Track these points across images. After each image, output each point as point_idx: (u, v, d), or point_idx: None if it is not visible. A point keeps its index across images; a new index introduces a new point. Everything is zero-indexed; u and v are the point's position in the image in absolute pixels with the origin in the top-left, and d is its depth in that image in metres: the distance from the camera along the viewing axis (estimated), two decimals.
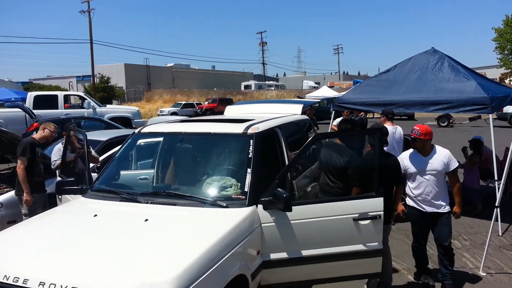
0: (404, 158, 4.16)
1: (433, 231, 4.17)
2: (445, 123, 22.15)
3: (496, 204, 4.71)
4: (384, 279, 3.97)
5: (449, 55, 6.46)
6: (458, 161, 7.00)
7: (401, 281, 4.47)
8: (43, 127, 5.15)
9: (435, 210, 4.04)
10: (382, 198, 3.40)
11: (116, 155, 4.17)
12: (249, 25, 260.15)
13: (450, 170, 4.00)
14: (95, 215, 3.17)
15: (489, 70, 48.80)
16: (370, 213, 3.36)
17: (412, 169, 4.08)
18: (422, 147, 4.03)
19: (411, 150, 4.17)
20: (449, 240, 4.12)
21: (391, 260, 4.18)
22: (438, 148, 4.08)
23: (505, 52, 35.72)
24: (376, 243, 3.43)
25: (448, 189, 4.15)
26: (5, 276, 2.45)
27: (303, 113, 5.86)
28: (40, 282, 2.35)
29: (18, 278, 2.41)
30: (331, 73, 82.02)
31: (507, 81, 41.35)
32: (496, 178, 5.44)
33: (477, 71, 7.48)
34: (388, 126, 5.62)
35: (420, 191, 4.07)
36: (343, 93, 9.05)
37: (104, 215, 3.22)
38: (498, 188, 4.96)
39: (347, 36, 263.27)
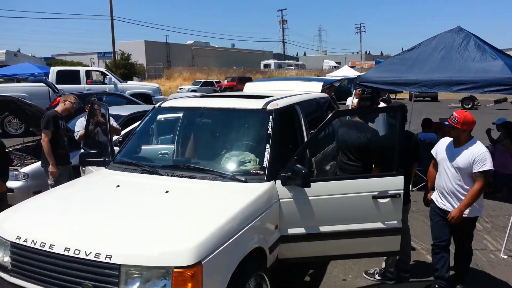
0: (440, 142, 3.81)
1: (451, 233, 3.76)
2: (470, 105, 21.61)
3: None
4: (402, 258, 3.97)
5: (476, 34, 6.25)
6: (490, 145, 6.84)
7: (419, 260, 4.48)
8: (64, 100, 5.25)
9: (449, 209, 3.62)
10: (402, 177, 3.37)
11: (138, 129, 4.24)
12: (269, 2, 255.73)
13: (473, 171, 3.46)
14: (118, 186, 3.25)
15: None
16: (389, 192, 3.35)
17: (439, 155, 3.73)
18: (456, 137, 3.56)
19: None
20: (466, 245, 3.74)
21: (410, 240, 4.18)
22: (475, 143, 3.52)
23: None
24: (395, 222, 3.42)
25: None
26: (33, 241, 2.56)
27: (322, 91, 5.80)
28: (66, 247, 2.45)
29: (45, 243, 2.51)
30: (353, 53, 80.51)
31: None
32: None
33: (507, 52, 7.19)
34: None
35: (439, 182, 3.73)
36: (364, 73, 8.89)
37: (127, 186, 3.30)
38: None
39: (370, 14, 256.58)
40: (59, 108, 5.21)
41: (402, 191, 3.36)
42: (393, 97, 18.11)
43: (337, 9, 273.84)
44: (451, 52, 6.01)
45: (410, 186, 6.23)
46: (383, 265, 4.09)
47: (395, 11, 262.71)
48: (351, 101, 7.70)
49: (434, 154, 3.83)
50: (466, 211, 3.52)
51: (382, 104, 7.57)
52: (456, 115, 3.53)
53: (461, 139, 3.55)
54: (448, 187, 3.61)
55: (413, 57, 6.35)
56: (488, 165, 3.41)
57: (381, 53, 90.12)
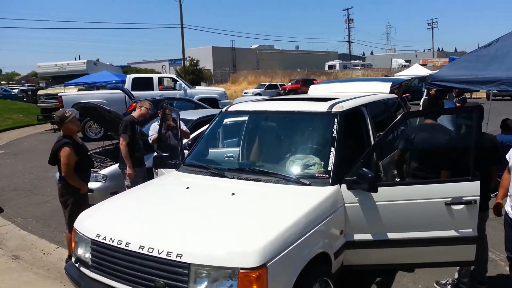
0: None
1: None
2: None
3: None
4: (478, 268, 3.71)
5: None
6: None
7: (497, 271, 4.15)
8: (140, 106, 5.60)
9: None
10: (478, 182, 3.15)
11: (206, 133, 4.41)
12: (334, 1, 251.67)
13: None
14: (188, 188, 3.41)
15: None
16: (464, 198, 3.15)
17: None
18: None
19: None
20: None
21: (487, 250, 3.89)
22: None
23: None
24: (470, 230, 3.21)
25: None
26: (111, 239, 2.76)
27: (391, 92, 5.62)
28: (140, 245, 2.61)
29: (122, 241, 2.70)
30: (424, 50, 76.56)
31: None
32: None
33: None
34: None
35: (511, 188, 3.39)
36: (437, 71, 8.43)
37: (196, 187, 3.45)
38: None
39: (443, 9, 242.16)
40: (135, 114, 5.56)
41: (478, 197, 3.14)
42: (469, 96, 16.95)
43: (406, 5, 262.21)
44: None
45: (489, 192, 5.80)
46: (456, 275, 3.84)
47: (470, 4, 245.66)
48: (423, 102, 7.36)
49: (508, 159, 3.50)
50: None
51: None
52: None
53: None
54: (504, 183, 3.35)
55: (491, 53, 5.89)
56: None
57: (455, 49, 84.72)
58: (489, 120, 7.62)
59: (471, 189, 3.15)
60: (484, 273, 3.78)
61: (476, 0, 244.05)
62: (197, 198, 3.27)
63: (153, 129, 6.00)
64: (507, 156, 3.52)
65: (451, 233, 3.22)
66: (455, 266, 3.72)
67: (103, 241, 2.79)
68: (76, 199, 4.30)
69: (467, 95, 14.64)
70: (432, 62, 48.58)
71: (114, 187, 5.69)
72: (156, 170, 4.79)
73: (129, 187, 5.19)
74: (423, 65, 36.47)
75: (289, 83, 37.67)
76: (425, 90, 7.04)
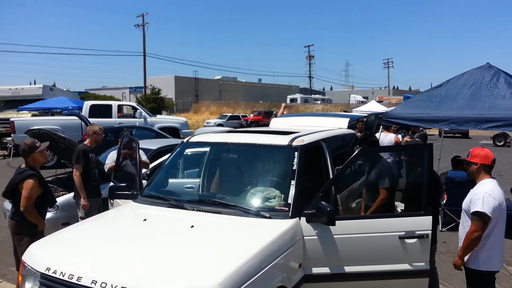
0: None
1: None
2: (502, 142, 20.99)
3: None
4: None
5: (506, 71, 6.17)
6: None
7: None
8: (90, 133, 5.36)
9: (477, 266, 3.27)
10: (430, 217, 3.29)
11: (165, 163, 4.35)
12: (296, 38, 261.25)
13: (470, 211, 3.20)
14: (145, 220, 3.31)
15: None
16: (417, 232, 3.26)
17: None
18: (471, 173, 3.34)
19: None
20: None
21: (438, 282, 4.01)
22: (485, 183, 3.22)
23: None
24: (423, 263, 3.31)
25: None
26: (61, 272, 2.62)
27: (353, 126, 5.82)
28: (93, 280, 2.49)
29: (73, 275, 2.56)
30: (380, 88, 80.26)
31: None
32: None
33: None
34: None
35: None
36: (392, 108, 8.87)
37: (153, 219, 3.36)
38: None
39: (398, 50, 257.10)
40: (88, 141, 5.37)
41: (430, 231, 3.26)
42: (428, 133, 17.82)
43: (364, 44, 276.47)
44: (481, 89, 5.96)
45: (439, 226, 6.05)
46: None
47: (423, 47, 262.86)
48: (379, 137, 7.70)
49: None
50: (466, 258, 3.25)
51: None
52: (471, 150, 3.37)
53: (475, 177, 3.31)
54: (460, 233, 3.40)
55: (442, 93, 6.31)
56: (478, 206, 3.10)
57: (410, 88, 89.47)
58: (441, 156, 8.03)
59: (423, 223, 3.27)
60: None
61: (429, 43, 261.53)
62: (154, 231, 3.18)
63: (111, 158, 5.84)
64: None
65: (405, 266, 3.30)
66: None
67: (53, 275, 2.64)
68: (32, 238, 3.82)
69: (429, 131, 15.39)
70: (388, 99, 50.95)
71: (66, 217, 5.43)
72: (112, 201, 4.63)
73: (82, 218, 4.97)
74: (379, 102, 38.16)
75: (251, 115, 38.14)
76: (381, 127, 7.35)
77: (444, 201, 6.42)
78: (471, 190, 3.31)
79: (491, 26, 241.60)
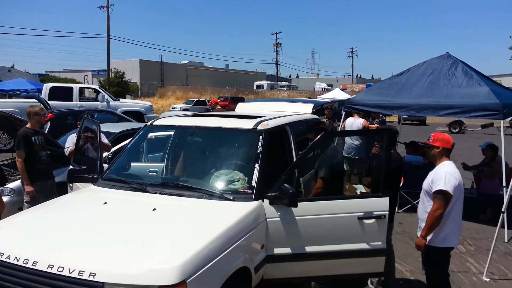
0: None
1: None
2: (457, 129, 21.90)
3: (503, 210, 4.69)
4: (387, 278, 3.98)
5: (463, 61, 6.43)
6: (473, 171, 6.90)
7: (404, 282, 4.48)
8: (31, 115, 5.04)
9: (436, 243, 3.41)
10: (388, 198, 3.42)
11: (128, 146, 4.27)
12: (264, 25, 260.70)
13: (432, 191, 3.33)
14: (105, 203, 3.25)
15: (504, 78, 48.08)
16: (375, 212, 3.39)
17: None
18: (432, 156, 3.45)
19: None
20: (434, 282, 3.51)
21: (394, 260, 4.19)
22: (445, 165, 3.37)
23: None
24: (380, 243, 3.45)
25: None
26: (16, 257, 2.53)
27: (321, 112, 5.90)
28: (49, 265, 2.43)
29: (28, 260, 2.49)
30: (344, 76, 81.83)
31: None
32: (504, 184, 5.40)
33: (493, 79, 7.40)
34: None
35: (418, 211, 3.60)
36: (354, 95, 9.07)
37: (114, 203, 3.30)
38: (506, 194, 4.93)
39: (362, 39, 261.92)
40: (29, 124, 5.08)
41: (387, 212, 3.40)
42: (389, 120, 18.33)
43: (330, 34, 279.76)
44: (439, 77, 6.18)
45: (396, 208, 6.31)
46: (370, 286, 4.08)
47: (386, 38, 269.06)
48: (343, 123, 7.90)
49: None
50: (429, 237, 3.35)
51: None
52: (432, 134, 3.50)
53: (436, 159, 3.43)
54: (419, 213, 3.53)
55: (402, 81, 6.50)
56: (441, 185, 3.23)
57: (372, 76, 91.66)
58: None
59: (381, 204, 3.40)
60: (393, 283, 4.06)
61: (391, 35, 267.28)
62: (115, 214, 3.13)
63: (70, 141, 5.65)
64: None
65: (363, 246, 3.43)
66: (366, 277, 3.96)
67: (7, 260, 2.55)
68: None
69: (388, 118, 15.81)
70: (351, 88, 52.02)
71: (22, 202, 5.24)
72: (71, 185, 4.51)
73: (28, 202, 4.79)
74: (343, 89, 38.91)
75: (218, 100, 37.85)
76: (344, 113, 7.50)
77: (401, 184, 6.67)
78: (432, 171, 3.43)
79: (451, 17, 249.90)
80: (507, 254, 5.27)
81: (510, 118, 18.99)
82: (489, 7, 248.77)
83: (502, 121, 5.49)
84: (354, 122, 7.61)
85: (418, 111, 5.95)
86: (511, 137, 4.62)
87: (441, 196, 3.25)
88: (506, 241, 5.60)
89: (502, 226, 5.06)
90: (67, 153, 5.52)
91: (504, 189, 5.26)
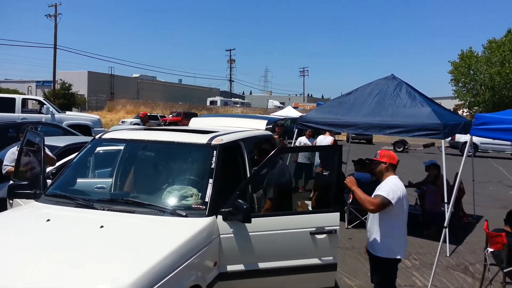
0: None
1: None
2: (401, 148, 23.02)
3: (445, 225, 4.94)
4: None
5: (408, 83, 6.83)
6: (416, 189, 7.23)
7: None
8: None
9: (371, 251, 3.63)
10: (338, 213, 3.50)
11: (74, 160, 4.07)
12: (218, 42, 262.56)
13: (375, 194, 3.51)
14: (48, 220, 3.06)
15: (444, 100, 51.43)
16: (326, 228, 3.45)
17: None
18: (379, 172, 3.62)
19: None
20: None
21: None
22: (391, 178, 3.55)
23: (459, 84, 37.99)
24: (331, 257, 3.52)
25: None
26: None
27: (272, 129, 5.98)
28: None
29: None
30: (296, 95, 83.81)
31: (460, 111, 43.77)
32: (446, 201, 5.72)
33: (436, 101, 7.92)
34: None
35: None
36: (306, 114, 9.33)
37: (58, 220, 3.12)
38: (448, 210, 5.22)
39: (312, 60, 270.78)
40: None
41: (338, 227, 3.48)
42: (339, 139, 18.94)
43: (282, 53, 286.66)
44: (385, 97, 6.51)
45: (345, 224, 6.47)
46: None
47: (336, 60, 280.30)
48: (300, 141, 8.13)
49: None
50: (382, 252, 3.50)
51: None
52: (379, 151, 3.69)
53: (383, 174, 3.57)
54: (368, 226, 3.65)
55: (351, 101, 6.78)
56: (384, 193, 3.38)
57: (322, 96, 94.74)
58: (348, 160, 8.59)
59: (332, 219, 3.48)
60: None
61: (340, 58, 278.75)
62: (59, 232, 2.95)
63: (10, 157, 5.31)
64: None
65: (315, 261, 3.47)
66: None
67: None
68: None
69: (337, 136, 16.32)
70: (303, 106, 53.36)
71: None
72: (11, 201, 4.22)
73: None
74: (295, 107, 39.81)
75: (170, 115, 37.36)
76: (296, 130, 7.67)
77: (350, 200, 6.88)
78: (379, 185, 3.56)
79: (396, 42, 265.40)
80: (449, 267, 5.54)
81: (449, 138, 20.43)
82: (432, 31, 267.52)
83: (442, 141, 5.85)
84: (324, 140, 7.85)
85: (365, 129, 6.22)
86: (451, 156, 4.93)
87: (380, 200, 3.37)
88: (448, 255, 5.89)
89: (445, 241, 5.34)
90: (4, 172, 5.16)
91: (446, 205, 5.57)
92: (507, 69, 33.93)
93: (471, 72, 36.83)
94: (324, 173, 5.85)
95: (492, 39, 36.40)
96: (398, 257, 3.57)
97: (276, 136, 8.58)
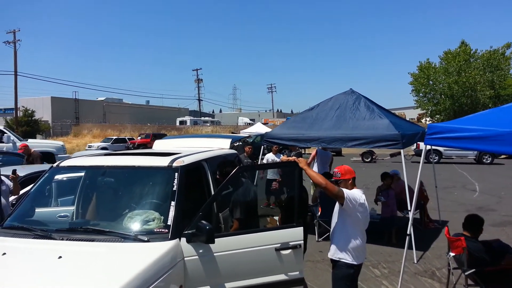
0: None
1: None
2: (369, 159, 23.56)
3: (408, 233, 5.07)
4: None
5: (367, 96, 7.06)
6: (379, 197, 7.38)
7: None
8: None
9: (330, 254, 3.76)
10: (302, 228, 3.54)
11: (32, 190, 3.95)
12: (184, 61, 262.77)
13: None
14: (4, 254, 2.95)
15: (408, 110, 53.36)
16: (291, 243, 3.48)
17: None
18: (345, 188, 3.69)
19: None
20: None
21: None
22: (356, 191, 3.69)
23: (420, 94, 39.47)
24: (297, 272, 3.53)
25: None
26: None
27: (241, 149, 6.00)
28: None
29: None
30: (266, 111, 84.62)
31: (423, 120, 45.34)
32: (409, 208, 5.88)
33: (397, 111, 8.31)
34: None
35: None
36: (271, 130, 9.46)
37: (14, 253, 3.01)
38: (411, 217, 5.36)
39: (280, 75, 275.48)
40: None
41: (302, 241, 3.51)
42: (304, 152, 19.15)
43: (249, 70, 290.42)
44: (346, 111, 6.70)
45: (315, 237, 6.52)
46: None
47: (301, 74, 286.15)
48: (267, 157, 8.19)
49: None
50: (338, 255, 3.64)
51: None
52: (337, 170, 3.81)
53: (349, 189, 3.68)
54: (331, 230, 3.83)
55: (313, 116, 6.93)
56: (345, 190, 3.56)
57: (291, 111, 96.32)
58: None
59: (296, 234, 3.51)
60: None
61: (307, 72, 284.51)
62: (15, 265, 2.85)
63: None
64: None
65: (282, 277, 3.48)
66: None
67: None
68: None
69: (302, 151, 16.54)
70: (273, 122, 53.88)
71: None
72: None
73: None
74: (265, 124, 40.14)
75: (139, 137, 36.81)
76: (262, 146, 7.75)
77: (319, 213, 6.96)
78: None
79: (355, 56, 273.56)
80: (417, 274, 5.67)
81: (414, 147, 21.00)
82: (392, 43, 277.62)
83: (402, 150, 6.06)
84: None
85: (329, 143, 6.36)
86: (418, 164, 5.15)
87: (337, 188, 3.53)
88: (415, 261, 6.03)
89: (411, 248, 5.46)
90: None
91: (410, 213, 5.72)
92: (463, 78, 35.65)
93: (430, 82, 38.40)
94: (280, 191, 5.94)
95: (447, 50, 38.23)
96: (351, 261, 3.61)
97: (245, 155, 8.63)
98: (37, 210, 4.04)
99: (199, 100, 69.44)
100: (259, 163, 8.32)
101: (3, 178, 4.90)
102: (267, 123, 44.94)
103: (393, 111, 8.44)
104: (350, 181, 3.74)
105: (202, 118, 64.61)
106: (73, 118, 50.67)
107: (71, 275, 2.68)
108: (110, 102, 60.05)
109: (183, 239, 3.25)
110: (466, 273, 4.46)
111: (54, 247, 3.07)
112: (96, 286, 2.51)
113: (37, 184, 4.00)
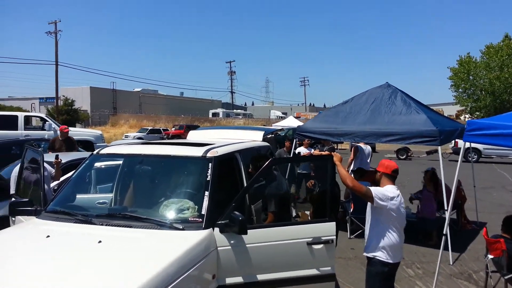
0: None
1: None
2: (404, 156, 22.93)
3: (444, 232, 4.94)
4: None
5: (403, 90, 6.87)
6: (414, 194, 7.21)
7: None
8: None
9: (365, 251, 3.73)
10: (334, 223, 3.52)
11: (73, 176, 4.13)
12: (218, 53, 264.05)
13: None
14: (48, 236, 3.11)
15: (446, 107, 51.55)
16: (323, 238, 3.47)
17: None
18: (378, 180, 3.70)
19: None
20: None
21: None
22: (387, 187, 3.61)
23: (460, 90, 37.99)
24: (329, 268, 3.52)
25: None
26: None
27: (271, 141, 6.01)
28: None
29: None
30: (298, 104, 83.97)
31: (462, 117, 43.58)
32: (446, 208, 5.71)
33: (435, 107, 8.02)
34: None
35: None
36: (303, 123, 9.39)
37: (57, 236, 3.16)
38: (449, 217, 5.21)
39: (313, 69, 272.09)
40: None
41: (335, 236, 3.50)
42: (336, 147, 18.94)
43: (282, 63, 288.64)
44: (381, 105, 6.55)
45: (347, 233, 6.46)
46: None
47: (336, 67, 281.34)
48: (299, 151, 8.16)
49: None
50: (373, 253, 3.59)
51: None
52: (381, 161, 3.77)
53: (379, 182, 3.66)
54: (366, 231, 3.74)
55: (347, 109, 6.83)
56: (373, 189, 3.51)
57: (324, 105, 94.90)
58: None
59: (328, 229, 3.50)
60: None
61: (342, 65, 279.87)
62: (57, 248, 3.00)
63: (14, 175, 5.38)
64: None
65: (313, 271, 3.48)
66: None
67: None
68: None
69: (335, 146, 16.36)
70: (305, 116, 53.43)
71: None
72: (13, 218, 4.27)
73: None
74: (297, 117, 39.86)
75: (173, 128, 37.50)
76: (295, 139, 7.72)
77: (351, 210, 6.88)
78: None
79: (391, 49, 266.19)
80: (452, 275, 5.51)
81: (452, 145, 20.22)
82: (430, 37, 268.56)
83: (439, 147, 5.87)
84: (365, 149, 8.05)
85: (362, 137, 6.25)
86: (455, 162, 4.94)
87: (365, 188, 3.48)
88: (451, 263, 5.86)
89: (447, 249, 5.30)
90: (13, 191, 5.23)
91: (447, 212, 5.56)
92: (506, 74, 33.95)
93: (471, 77, 36.85)
94: (315, 187, 5.94)
95: (489, 44, 36.51)
96: (389, 260, 3.55)
97: (285, 151, 8.74)
98: (78, 196, 4.22)
99: (232, 92, 69.90)
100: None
101: (45, 164, 5.14)
102: (299, 117, 44.63)
103: (430, 107, 8.18)
104: (379, 174, 3.67)
105: (235, 110, 64.97)
106: (111, 108, 52.17)
107: (112, 258, 2.79)
108: (146, 93, 61.40)
109: (216, 229, 3.30)
110: (506, 277, 4.30)
111: (94, 231, 3.20)
112: (135, 270, 2.60)
113: (78, 171, 4.17)
